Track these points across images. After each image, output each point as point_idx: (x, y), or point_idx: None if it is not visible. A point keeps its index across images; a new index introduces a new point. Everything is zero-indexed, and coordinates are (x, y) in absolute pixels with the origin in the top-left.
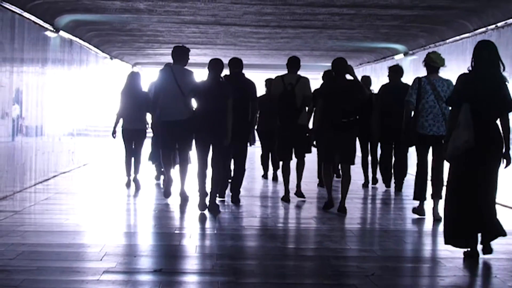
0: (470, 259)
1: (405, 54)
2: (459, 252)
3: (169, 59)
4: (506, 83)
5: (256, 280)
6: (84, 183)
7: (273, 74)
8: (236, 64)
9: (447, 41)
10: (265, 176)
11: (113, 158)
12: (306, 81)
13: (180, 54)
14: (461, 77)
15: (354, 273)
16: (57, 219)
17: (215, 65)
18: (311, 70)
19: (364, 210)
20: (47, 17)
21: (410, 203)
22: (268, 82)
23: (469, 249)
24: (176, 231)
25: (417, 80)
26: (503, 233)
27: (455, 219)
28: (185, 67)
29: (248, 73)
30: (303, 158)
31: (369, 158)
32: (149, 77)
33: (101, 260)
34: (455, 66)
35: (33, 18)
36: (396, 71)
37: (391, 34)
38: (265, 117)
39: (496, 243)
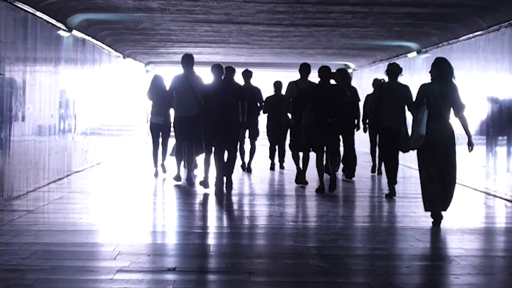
0: (435, 220)
1: (418, 52)
2: (473, 250)
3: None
4: (458, 90)
5: (269, 278)
6: (97, 182)
7: (285, 73)
8: (247, 74)
9: (460, 38)
10: (272, 168)
11: (126, 157)
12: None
13: (189, 60)
14: (423, 86)
15: (367, 271)
16: (70, 218)
17: (220, 71)
18: None
19: (375, 208)
20: (60, 17)
21: (420, 200)
22: (276, 84)
23: (432, 212)
24: (189, 230)
25: (380, 85)
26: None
27: (427, 191)
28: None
29: (261, 72)
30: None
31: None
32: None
33: (114, 259)
34: (468, 64)
35: (45, 17)
36: (345, 75)
37: (404, 32)
38: (273, 115)
39: (509, 241)
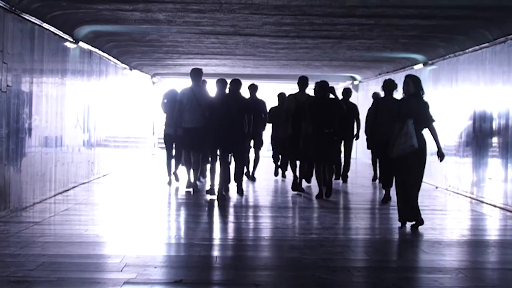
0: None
1: (425, 64)
2: (480, 263)
3: (188, 69)
4: (428, 104)
5: None
6: (103, 193)
7: (292, 85)
8: (253, 88)
9: (467, 50)
10: (276, 174)
11: (133, 168)
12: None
13: (196, 74)
14: (405, 100)
15: (374, 284)
16: (77, 229)
17: (224, 84)
18: (330, 80)
19: (381, 220)
20: (66, 28)
21: (429, 212)
22: (280, 96)
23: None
24: (195, 242)
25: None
26: (419, 220)
27: (400, 200)
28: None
29: (267, 84)
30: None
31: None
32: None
33: (121, 271)
34: (474, 76)
35: (52, 29)
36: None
37: (410, 44)
38: (277, 125)
39: None
